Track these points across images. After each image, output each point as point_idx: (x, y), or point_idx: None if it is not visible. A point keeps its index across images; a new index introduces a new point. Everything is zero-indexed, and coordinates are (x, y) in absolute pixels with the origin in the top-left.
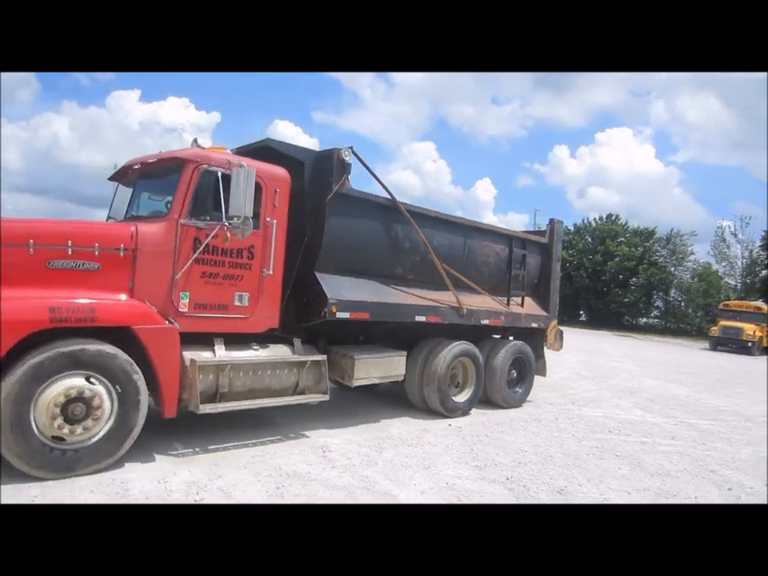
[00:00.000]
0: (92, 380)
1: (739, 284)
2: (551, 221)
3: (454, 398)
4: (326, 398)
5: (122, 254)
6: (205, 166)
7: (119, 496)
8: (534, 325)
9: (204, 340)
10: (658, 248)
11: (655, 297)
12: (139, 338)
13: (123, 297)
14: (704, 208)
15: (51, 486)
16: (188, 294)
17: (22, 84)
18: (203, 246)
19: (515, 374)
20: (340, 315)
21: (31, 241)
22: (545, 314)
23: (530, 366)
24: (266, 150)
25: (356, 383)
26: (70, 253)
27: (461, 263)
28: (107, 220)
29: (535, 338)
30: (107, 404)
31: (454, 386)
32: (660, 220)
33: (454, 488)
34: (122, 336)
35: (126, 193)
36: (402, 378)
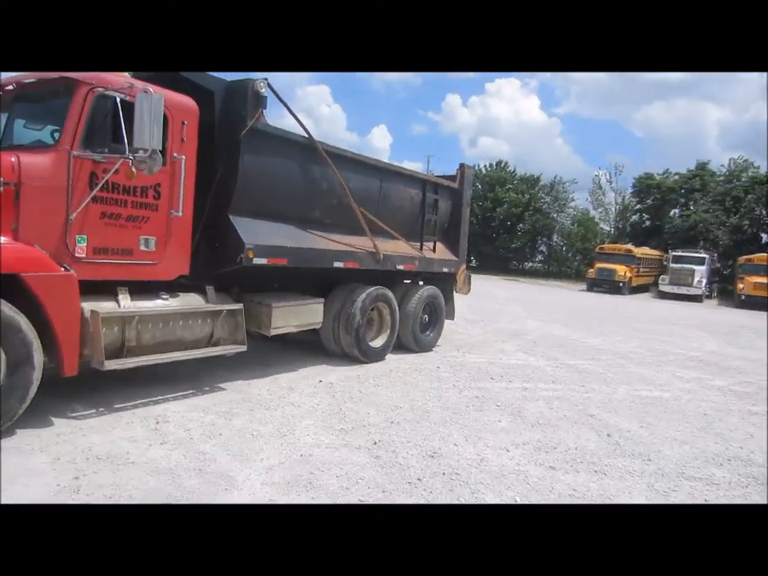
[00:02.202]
0: None
1: (613, 229)
2: (461, 165)
3: (370, 343)
4: (244, 348)
5: (0, 188)
6: (101, 89)
7: None
8: (445, 270)
9: (105, 289)
10: (543, 195)
11: (539, 242)
12: (30, 287)
13: (5, 240)
14: (582, 158)
15: None
16: (85, 237)
17: None
18: (102, 182)
19: (427, 319)
20: (257, 261)
21: None
22: (455, 258)
23: (440, 311)
24: (168, 77)
25: (273, 332)
26: None
27: (377, 207)
28: None
29: (445, 282)
30: None
31: (371, 331)
32: (544, 170)
33: (310, 461)
34: (8, 286)
35: None
36: (320, 326)
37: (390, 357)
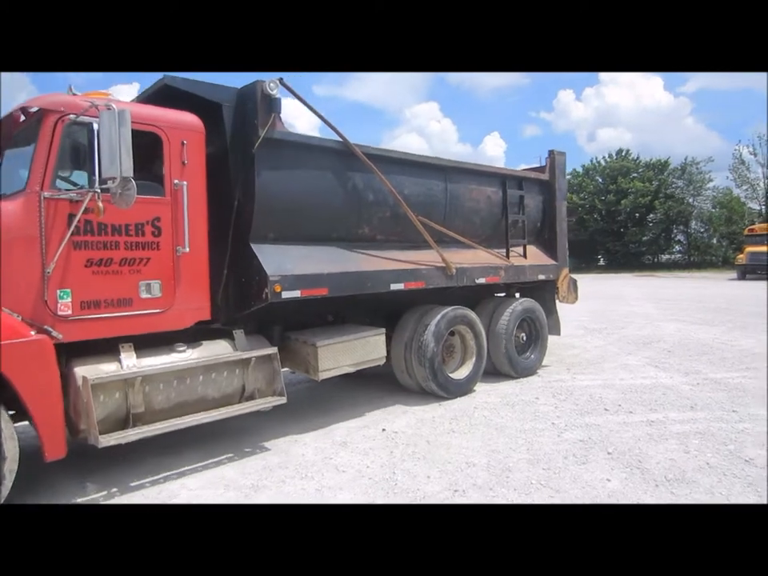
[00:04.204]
0: None
1: (764, 207)
2: (550, 152)
3: (451, 375)
4: (283, 400)
5: None
6: (72, 116)
7: None
8: (542, 277)
9: (109, 348)
10: (674, 179)
11: (675, 231)
12: None
13: None
14: (719, 135)
15: None
16: (69, 291)
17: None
18: (75, 223)
19: (525, 338)
20: (287, 295)
21: None
22: (553, 262)
23: (541, 326)
24: (169, 93)
25: (322, 376)
26: None
27: (443, 214)
28: None
29: (544, 291)
30: None
31: (453, 360)
32: (675, 153)
33: None
34: None
35: None
36: (384, 361)
37: (480, 386)
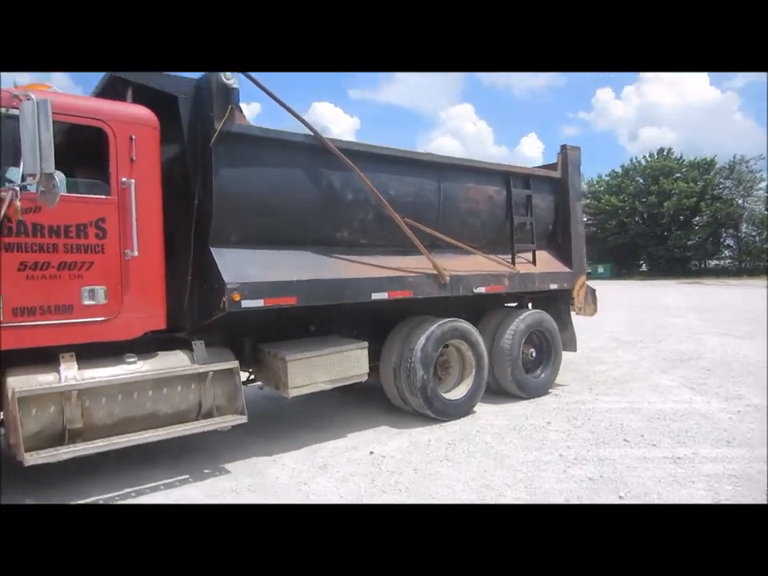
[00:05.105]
0: None
1: None
2: (563, 147)
3: (445, 396)
4: (244, 419)
5: None
6: (2, 110)
7: None
8: (554, 286)
9: (51, 357)
10: (721, 179)
11: (724, 235)
12: None
13: None
14: None
15: None
16: (0, 296)
17: None
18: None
19: (534, 354)
20: (248, 304)
21: None
22: (567, 269)
23: (552, 341)
24: (123, 87)
25: (293, 393)
26: None
27: (437, 216)
28: None
29: (558, 302)
30: None
31: (451, 375)
32: (723, 152)
33: None
34: None
35: None
36: (366, 378)
37: (488, 407)
